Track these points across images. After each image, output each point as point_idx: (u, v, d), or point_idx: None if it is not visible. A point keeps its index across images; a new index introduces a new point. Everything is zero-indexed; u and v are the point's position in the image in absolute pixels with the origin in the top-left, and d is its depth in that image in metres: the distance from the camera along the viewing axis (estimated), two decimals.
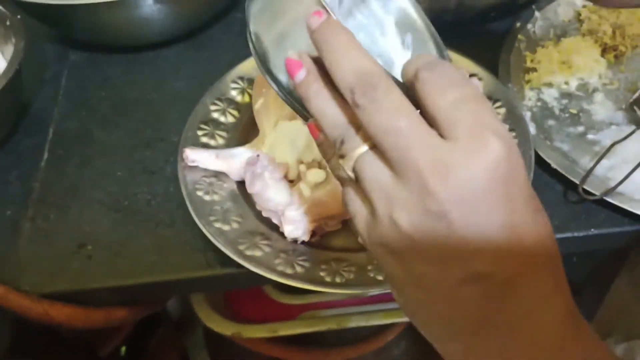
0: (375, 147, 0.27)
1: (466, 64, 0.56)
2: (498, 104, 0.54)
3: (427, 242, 0.26)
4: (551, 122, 0.56)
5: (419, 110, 0.27)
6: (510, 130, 0.52)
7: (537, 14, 0.64)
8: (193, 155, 0.50)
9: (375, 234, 0.28)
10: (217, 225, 0.47)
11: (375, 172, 0.27)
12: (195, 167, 0.50)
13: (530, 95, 0.58)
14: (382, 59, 0.33)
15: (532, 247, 0.27)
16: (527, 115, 0.56)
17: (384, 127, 0.26)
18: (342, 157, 0.28)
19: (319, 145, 0.31)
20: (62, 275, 0.48)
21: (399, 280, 0.29)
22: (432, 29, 0.35)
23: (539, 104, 0.58)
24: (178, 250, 0.49)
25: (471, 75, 0.55)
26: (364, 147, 0.27)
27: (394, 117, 0.26)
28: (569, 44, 0.61)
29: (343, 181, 0.30)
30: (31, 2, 0.59)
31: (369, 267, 0.45)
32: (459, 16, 0.62)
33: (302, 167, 0.50)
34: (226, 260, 0.45)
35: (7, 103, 0.56)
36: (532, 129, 0.54)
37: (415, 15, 0.35)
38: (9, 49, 0.57)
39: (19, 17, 0.58)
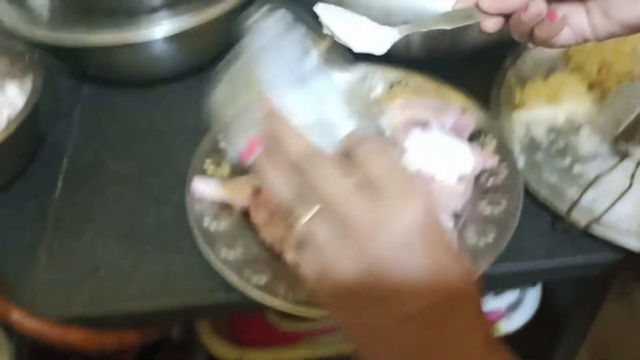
0: (319, 212, 0.32)
1: (458, 98, 0.59)
2: (489, 137, 0.57)
3: (366, 289, 0.31)
4: (540, 155, 0.59)
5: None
6: (500, 162, 0.54)
7: (526, 51, 0.67)
8: (200, 185, 0.53)
9: (325, 286, 0.32)
10: (223, 252, 0.49)
11: (320, 232, 0.32)
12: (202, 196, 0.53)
13: (519, 129, 0.61)
14: (326, 122, 0.37)
15: (455, 285, 0.31)
16: (517, 148, 0.59)
17: (325, 195, 0.32)
18: (291, 223, 0.33)
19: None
20: (76, 298, 0.50)
21: (348, 326, 0.33)
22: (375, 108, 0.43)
23: (528, 137, 0.60)
24: (184, 276, 0.51)
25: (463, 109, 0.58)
26: (310, 213, 0.32)
27: (330, 187, 0.31)
28: (557, 80, 0.64)
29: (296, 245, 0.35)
30: (48, 44, 0.62)
31: None
32: (451, 53, 0.65)
33: None
34: (231, 287, 0.47)
35: (25, 136, 0.58)
36: (521, 161, 0.57)
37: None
38: (27, 83, 0.60)
39: (37, 54, 0.61)
